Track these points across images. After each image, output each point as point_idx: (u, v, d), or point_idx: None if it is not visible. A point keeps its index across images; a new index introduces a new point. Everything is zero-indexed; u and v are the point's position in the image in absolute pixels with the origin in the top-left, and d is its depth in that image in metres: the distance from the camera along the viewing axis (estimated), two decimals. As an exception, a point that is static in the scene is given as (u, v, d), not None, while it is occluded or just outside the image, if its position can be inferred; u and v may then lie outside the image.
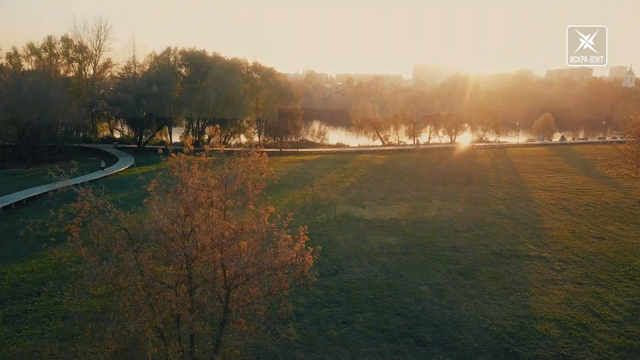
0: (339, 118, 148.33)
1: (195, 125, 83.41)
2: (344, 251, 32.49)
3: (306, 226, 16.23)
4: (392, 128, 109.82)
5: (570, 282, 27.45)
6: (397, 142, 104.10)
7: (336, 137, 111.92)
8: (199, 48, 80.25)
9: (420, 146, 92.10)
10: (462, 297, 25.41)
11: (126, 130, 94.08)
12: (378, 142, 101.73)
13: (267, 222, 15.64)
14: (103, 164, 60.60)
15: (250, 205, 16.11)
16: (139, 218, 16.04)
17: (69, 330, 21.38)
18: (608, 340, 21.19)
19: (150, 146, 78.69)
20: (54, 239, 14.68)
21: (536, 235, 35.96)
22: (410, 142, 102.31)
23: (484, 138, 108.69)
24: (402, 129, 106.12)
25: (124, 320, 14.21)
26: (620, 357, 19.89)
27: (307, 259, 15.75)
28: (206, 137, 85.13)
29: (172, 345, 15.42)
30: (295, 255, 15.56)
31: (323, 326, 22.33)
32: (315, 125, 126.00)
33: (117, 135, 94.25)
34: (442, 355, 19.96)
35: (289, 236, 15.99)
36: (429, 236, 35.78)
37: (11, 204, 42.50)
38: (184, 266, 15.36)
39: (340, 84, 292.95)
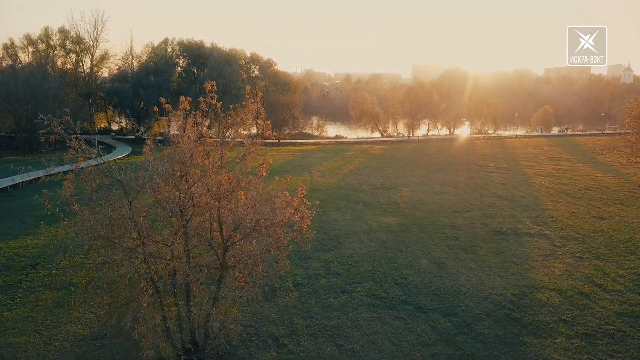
0: (338, 114, 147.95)
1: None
2: (343, 229, 32.18)
3: (304, 186, 15.98)
4: (390, 122, 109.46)
5: (571, 256, 27.20)
6: (396, 134, 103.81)
7: (334, 130, 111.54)
8: (196, 39, 79.58)
9: (418, 138, 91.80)
10: (462, 270, 25.12)
11: (124, 122, 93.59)
12: (376, 135, 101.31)
13: (265, 173, 15.39)
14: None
15: (248, 160, 15.84)
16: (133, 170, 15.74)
17: (64, 298, 21.07)
18: (610, 307, 20.94)
19: (148, 137, 78.27)
20: (45, 191, 14.35)
21: (536, 215, 35.69)
22: (410, 134, 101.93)
23: (482, 130, 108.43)
24: (401, 122, 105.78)
25: (118, 269, 13.95)
26: (622, 322, 19.63)
27: (305, 214, 15.48)
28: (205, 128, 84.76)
29: (168, 300, 15.12)
30: (293, 212, 15.28)
31: (322, 295, 22.03)
32: (314, 120, 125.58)
33: (114, 127, 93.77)
34: (443, 320, 19.69)
35: (287, 193, 15.75)
36: (428, 216, 35.49)
37: (7, 187, 42.19)
38: (181, 223, 15.07)
39: (338, 81, 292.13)
